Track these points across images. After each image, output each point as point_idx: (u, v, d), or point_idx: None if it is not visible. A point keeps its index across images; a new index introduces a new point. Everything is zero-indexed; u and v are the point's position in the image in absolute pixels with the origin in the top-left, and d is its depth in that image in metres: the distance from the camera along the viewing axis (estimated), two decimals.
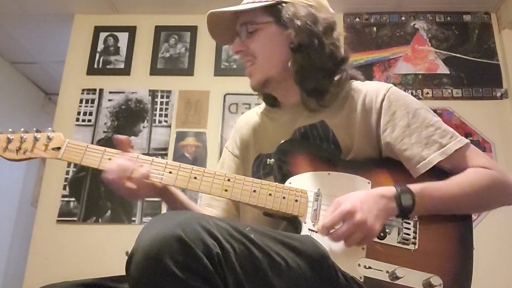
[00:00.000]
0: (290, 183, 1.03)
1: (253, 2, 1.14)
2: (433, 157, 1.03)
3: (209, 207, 1.24)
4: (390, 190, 0.96)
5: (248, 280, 0.76)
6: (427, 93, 2.84)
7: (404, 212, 0.96)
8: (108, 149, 1.06)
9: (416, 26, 3.00)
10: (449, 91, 2.83)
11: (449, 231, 1.01)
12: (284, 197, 1.00)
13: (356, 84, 1.17)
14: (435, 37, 2.96)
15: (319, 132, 1.11)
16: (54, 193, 2.74)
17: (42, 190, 2.79)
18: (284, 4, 1.13)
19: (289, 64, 1.13)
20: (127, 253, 0.75)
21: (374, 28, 3.01)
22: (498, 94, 2.81)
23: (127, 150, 1.06)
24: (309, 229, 0.98)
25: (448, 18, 3.00)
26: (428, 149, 1.04)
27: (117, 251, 2.51)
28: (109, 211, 2.69)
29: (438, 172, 1.03)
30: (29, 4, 3.02)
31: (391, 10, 3.03)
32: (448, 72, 2.87)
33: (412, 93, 2.83)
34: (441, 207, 1.00)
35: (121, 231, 2.64)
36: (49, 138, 1.06)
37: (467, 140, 1.06)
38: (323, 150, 1.09)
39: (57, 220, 2.68)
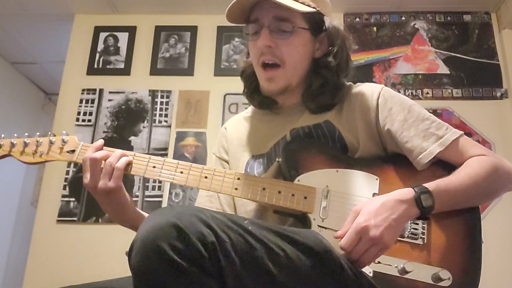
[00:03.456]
0: (298, 181, 1.04)
1: (296, 1, 1.10)
2: (433, 148, 1.05)
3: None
4: (408, 193, 0.97)
5: (247, 270, 0.76)
6: (427, 93, 2.84)
7: (425, 213, 0.97)
8: (119, 150, 1.07)
9: (416, 26, 3.00)
10: (449, 91, 2.83)
11: (457, 225, 1.03)
12: (293, 194, 1.01)
13: (351, 86, 1.20)
14: (435, 37, 2.96)
15: (324, 131, 1.13)
16: (54, 193, 2.74)
17: (42, 190, 2.79)
18: (321, 15, 1.14)
19: (310, 78, 1.15)
20: (127, 253, 0.77)
21: (374, 28, 3.01)
22: (498, 94, 2.81)
23: None
24: (319, 226, 0.99)
25: (448, 18, 3.00)
26: (426, 141, 1.06)
27: (117, 251, 2.51)
28: None
29: (440, 165, 1.06)
30: (29, 4, 3.02)
31: (391, 10, 3.03)
32: (448, 72, 2.87)
33: (412, 93, 2.83)
34: (456, 201, 1.01)
35: (121, 231, 2.60)
36: (63, 141, 1.09)
37: (461, 132, 1.09)
38: (329, 148, 1.11)
39: (57, 220, 2.68)
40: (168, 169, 1.05)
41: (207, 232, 0.74)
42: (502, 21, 2.91)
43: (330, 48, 1.16)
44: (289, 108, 1.21)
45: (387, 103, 1.12)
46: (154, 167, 1.06)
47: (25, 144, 1.10)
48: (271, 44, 1.11)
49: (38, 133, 1.12)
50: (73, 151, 1.09)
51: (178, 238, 0.72)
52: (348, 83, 1.21)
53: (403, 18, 3.02)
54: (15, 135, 1.12)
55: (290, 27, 1.11)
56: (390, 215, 0.92)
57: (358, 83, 1.21)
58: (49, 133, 1.12)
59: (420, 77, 2.88)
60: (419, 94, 2.84)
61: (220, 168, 1.06)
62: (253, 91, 1.23)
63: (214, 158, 1.32)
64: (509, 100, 2.79)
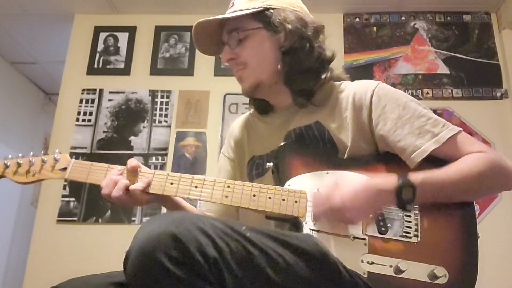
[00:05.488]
0: (289, 185, 1.04)
1: (240, 10, 1.15)
2: (427, 146, 1.03)
3: (209, 212, 1.26)
4: (390, 183, 0.96)
5: (247, 277, 0.77)
6: (427, 93, 2.84)
7: (403, 205, 0.97)
8: (111, 166, 1.10)
9: (416, 26, 3.00)
10: (449, 91, 2.83)
11: (452, 221, 1.01)
12: (283, 199, 1.01)
13: (345, 84, 1.19)
14: (435, 37, 2.96)
15: (314, 132, 1.13)
16: (54, 193, 2.74)
17: (42, 190, 2.79)
18: (272, 10, 1.15)
19: (279, 66, 1.15)
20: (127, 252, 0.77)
21: (374, 28, 3.01)
22: (498, 94, 2.81)
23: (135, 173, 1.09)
24: (310, 229, 0.99)
25: (448, 18, 3.00)
26: (421, 139, 1.04)
27: (117, 251, 2.50)
28: (109, 211, 2.69)
29: (434, 162, 1.03)
30: (29, 4, 3.02)
31: (391, 10, 3.03)
32: (448, 72, 2.87)
33: (412, 93, 2.83)
34: (442, 194, 1.00)
35: (121, 231, 2.64)
36: (55, 160, 1.13)
37: (460, 128, 1.06)
38: (320, 150, 1.11)
39: (57, 220, 2.68)
40: (159, 180, 1.07)
41: (205, 242, 0.74)
42: (502, 21, 2.91)
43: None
44: (284, 109, 1.21)
45: (381, 100, 1.10)
46: (142, 178, 1.07)
47: (18, 165, 1.14)
48: (231, 57, 1.18)
49: (31, 153, 1.17)
50: (65, 168, 1.13)
51: (176, 248, 0.72)
52: (345, 81, 1.20)
53: (403, 18, 3.02)
54: (9, 156, 1.16)
55: (243, 34, 1.16)
56: (367, 202, 0.96)
57: (355, 81, 1.19)
58: (41, 152, 1.16)
59: (420, 77, 2.88)
60: (419, 94, 2.84)
61: (209, 177, 1.07)
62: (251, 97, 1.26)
63: (222, 158, 1.32)
64: (509, 100, 2.79)
